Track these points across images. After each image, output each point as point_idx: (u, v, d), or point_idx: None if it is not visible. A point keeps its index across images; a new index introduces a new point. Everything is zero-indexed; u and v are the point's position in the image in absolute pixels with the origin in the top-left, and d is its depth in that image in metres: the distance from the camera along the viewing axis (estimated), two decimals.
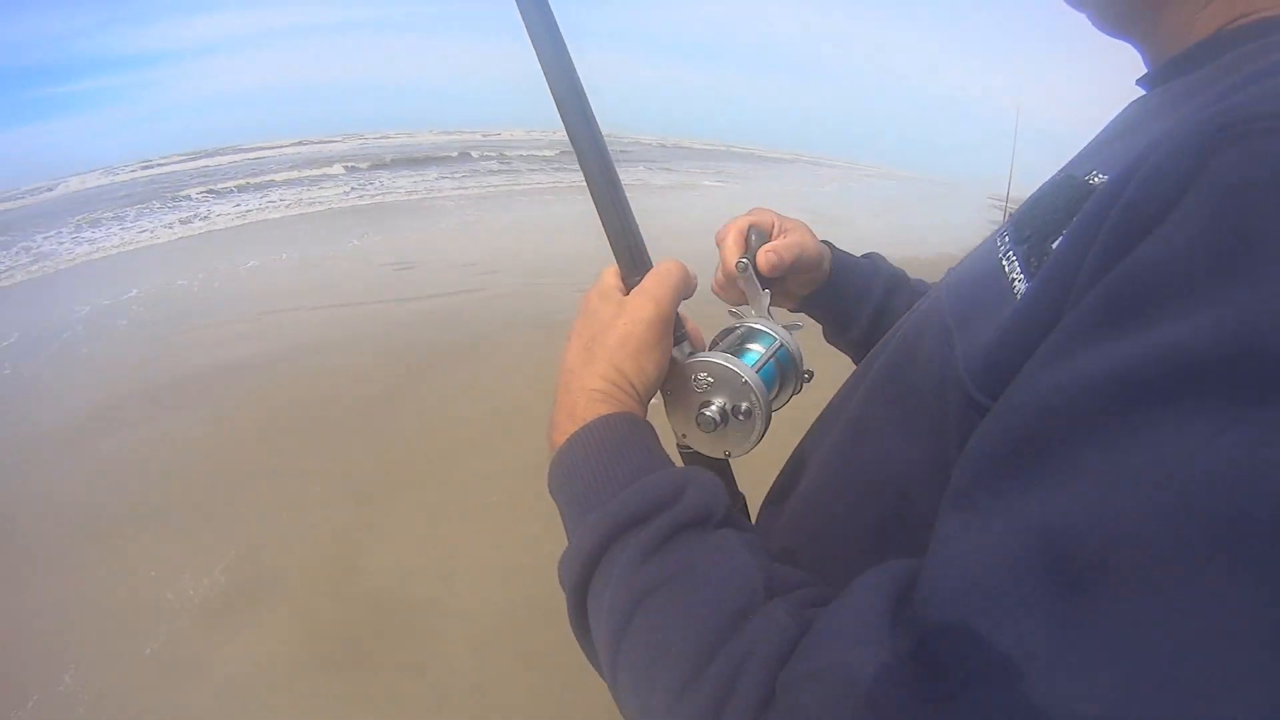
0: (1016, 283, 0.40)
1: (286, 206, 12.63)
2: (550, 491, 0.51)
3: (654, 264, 0.55)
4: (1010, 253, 0.42)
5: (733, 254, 0.67)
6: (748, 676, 0.33)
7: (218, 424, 4.09)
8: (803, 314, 0.78)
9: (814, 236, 0.73)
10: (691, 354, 0.55)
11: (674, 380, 0.54)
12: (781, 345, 0.61)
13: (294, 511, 3.21)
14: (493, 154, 20.92)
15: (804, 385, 0.64)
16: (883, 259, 0.81)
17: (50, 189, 18.14)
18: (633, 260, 0.55)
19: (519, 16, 0.53)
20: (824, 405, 0.62)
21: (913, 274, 0.82)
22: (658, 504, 0.42)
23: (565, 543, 0.47)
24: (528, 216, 11.15)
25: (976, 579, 0.27)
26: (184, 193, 14.39)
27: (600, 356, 0.51)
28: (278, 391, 4.47)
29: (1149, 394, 0.26)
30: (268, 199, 13.53)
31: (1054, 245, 0.37)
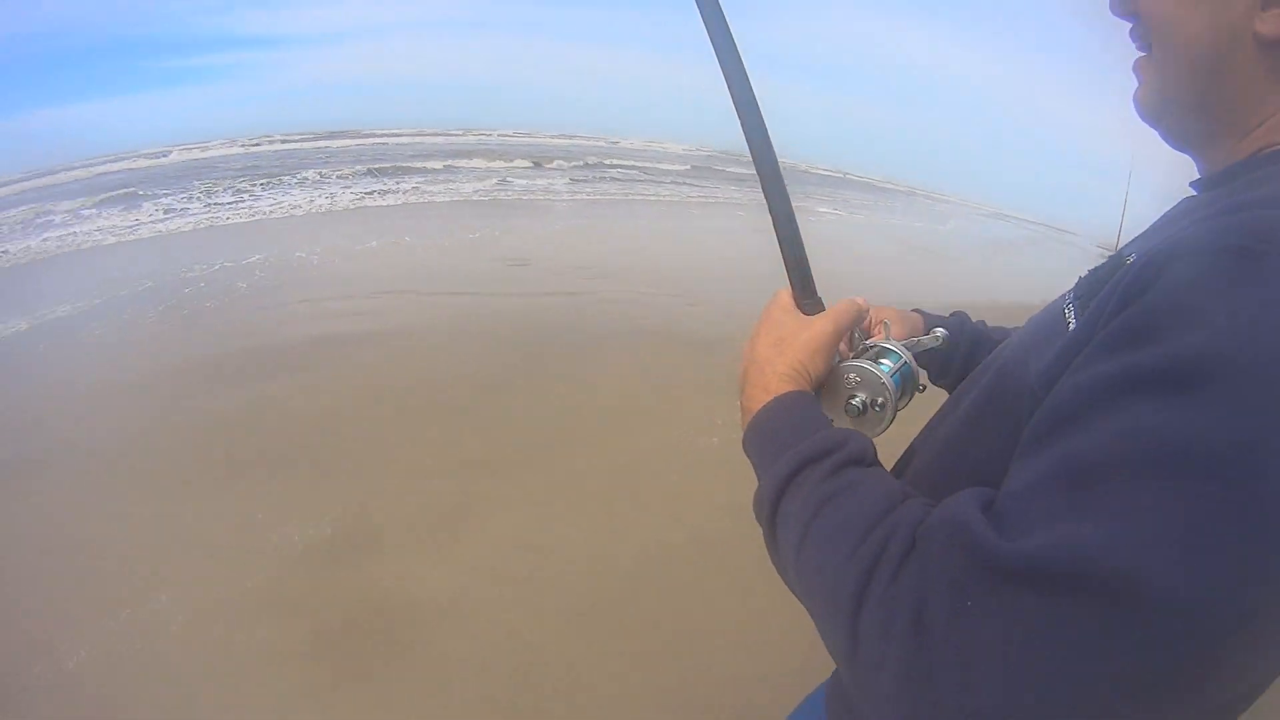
0: (1070, 323, 0.59)
1: (405, 194, 13.29)
2: (744, 442, 0.71)
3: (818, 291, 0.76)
4: (1071, 303, 0.61)
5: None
6: (897, 536, 0.51)
7: (332, 390, 4.32)
8: (941, 329, 0.97)
9: (899, 315, 0.95)
10: (843, 360, 0.75)
11: (830, 377, 0.74)
12: (906, 362, 0.78)
13: (402, 477, 3.35)
14: (620, 161, 21.42)
15: (917, 394, 0.81)
16: (966, 316, 1.04)
17: (165, 154, 19.59)
18: (803, 287, 0.76)
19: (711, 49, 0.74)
20: (922, 415, 0.83)
21: (1014, 322, 0.94)
22: (830, 448, 0.61)
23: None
24: (644, 227, 11.35)
25: (1028, 484, 0.47)
26: (303, 173, 15.30)
27: (788, 352, 0.71)
28: (391, 366, 4.68)
29: (1128, 388, 0.44)
30: (386, 185, 14.26)
31: (1093, 301, 0.54)
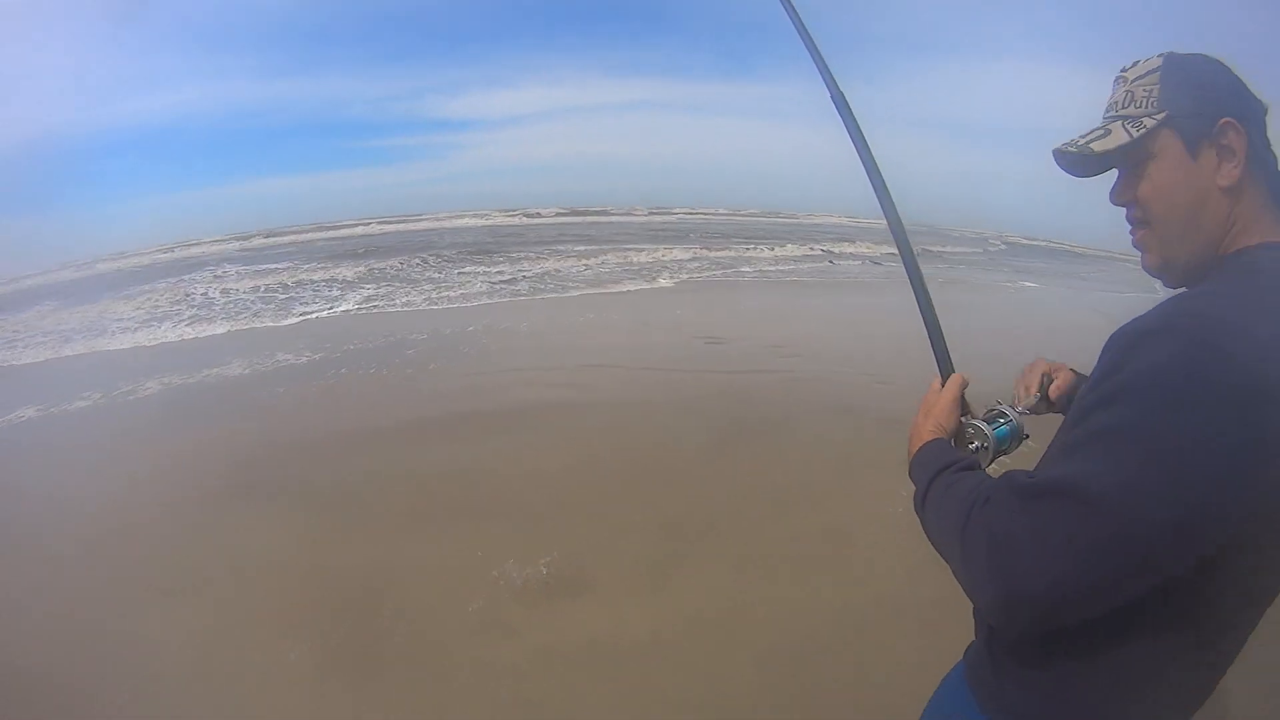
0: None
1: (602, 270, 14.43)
2: (910, 471, 1.08)
3: (954, 370, 1.18)
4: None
5: (1034, 385, 1.27)
6: (982, 493, 0.86)
7: (542, 451, 4.80)
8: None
9: (1071, 374, 1.27)
10: (968, 416, 1.16)
11: (958, 430, 1.14)
12: (1012, 421, 1.16)
13: (611, 533, 3.69)
14: (811, 240, 21.81)
15: (1022, 444, 1.18)
16: None
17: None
18: (942, 371, 1.19)
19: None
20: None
21: None
22: (954, 461, 1.01)
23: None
24: (835, 306, 11.40)
25: (1051, 479, 0.78)
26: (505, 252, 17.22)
27: (932, 417, 1.13)
28: (595, 433, 5.13)
29: (1108, 434, 0.76)
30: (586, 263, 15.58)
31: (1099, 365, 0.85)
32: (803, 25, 1.35)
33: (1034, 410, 1.25)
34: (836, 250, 20.03)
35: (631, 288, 12.59)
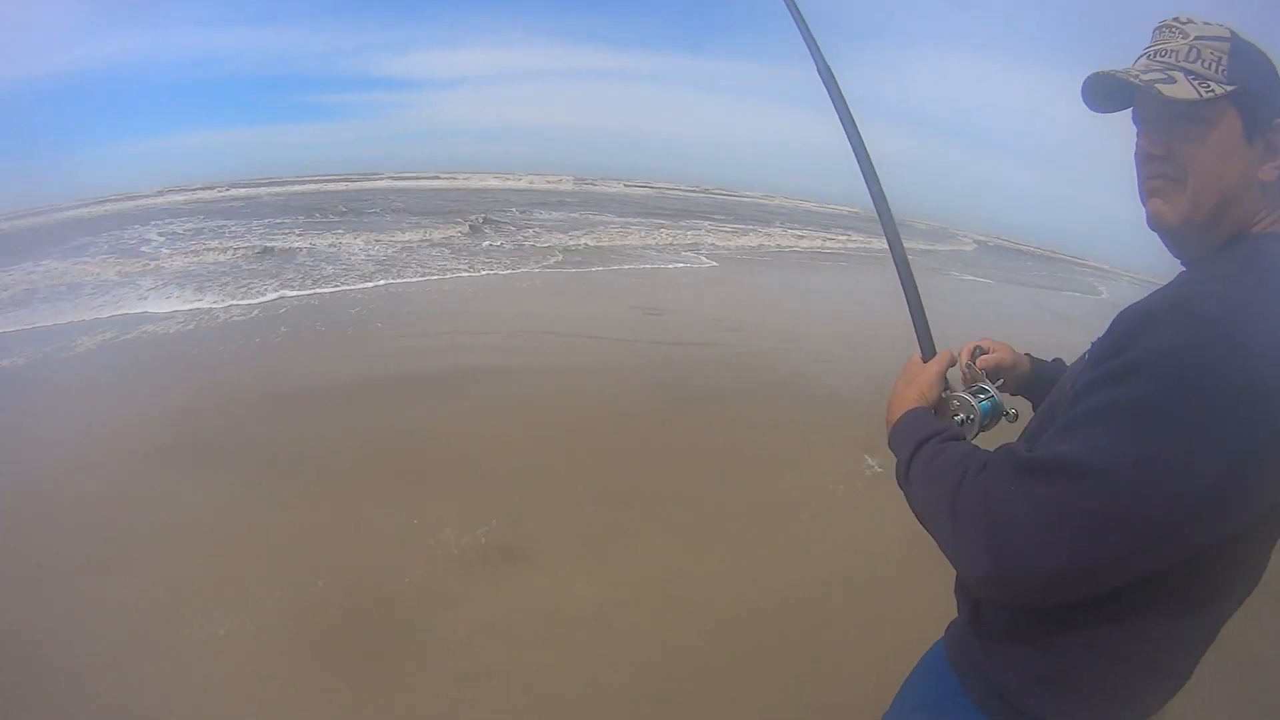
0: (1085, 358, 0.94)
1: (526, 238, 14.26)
2: (889, 439, 1.07)
3: (937, 349, 1.17)
4: (1091, 349, 0.90)
5: (965, 355, 1.23)
6: (975, 461, 0.87)
7: (479, 416, 4.71)
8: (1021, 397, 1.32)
9: (1011, 352, 1.29)
10: (950, 389, 1.14)
11: (941, 402, 1.12)
12: (994, 397, 1.15)
13: (554, 500, 3.64)
14: (761, 215, 21.92)
15: (1008, 421, 1.16)
16: (1062, 361, 1.31)
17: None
18: (924, 347, 1.19)
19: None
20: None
21: None
22: (939, 430, 1.00)
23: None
24: (780, 282, 11.53)
25: (1049, 436, 0.81)
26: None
27: (915, 386, 1.11)
28: (534, 400, 5.06)
29: (1119, 410, 0.75)
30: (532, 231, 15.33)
31: (1098, 343, 0.86)
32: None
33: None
34: (785, 233, 20.15)
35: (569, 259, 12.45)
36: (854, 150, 1.23)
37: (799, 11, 1.31)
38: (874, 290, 10.11)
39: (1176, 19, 0.91)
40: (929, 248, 22.75)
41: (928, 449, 0.97)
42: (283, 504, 3.60)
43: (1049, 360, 1.35)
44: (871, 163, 1.22)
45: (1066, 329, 10.45)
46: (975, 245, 28.01)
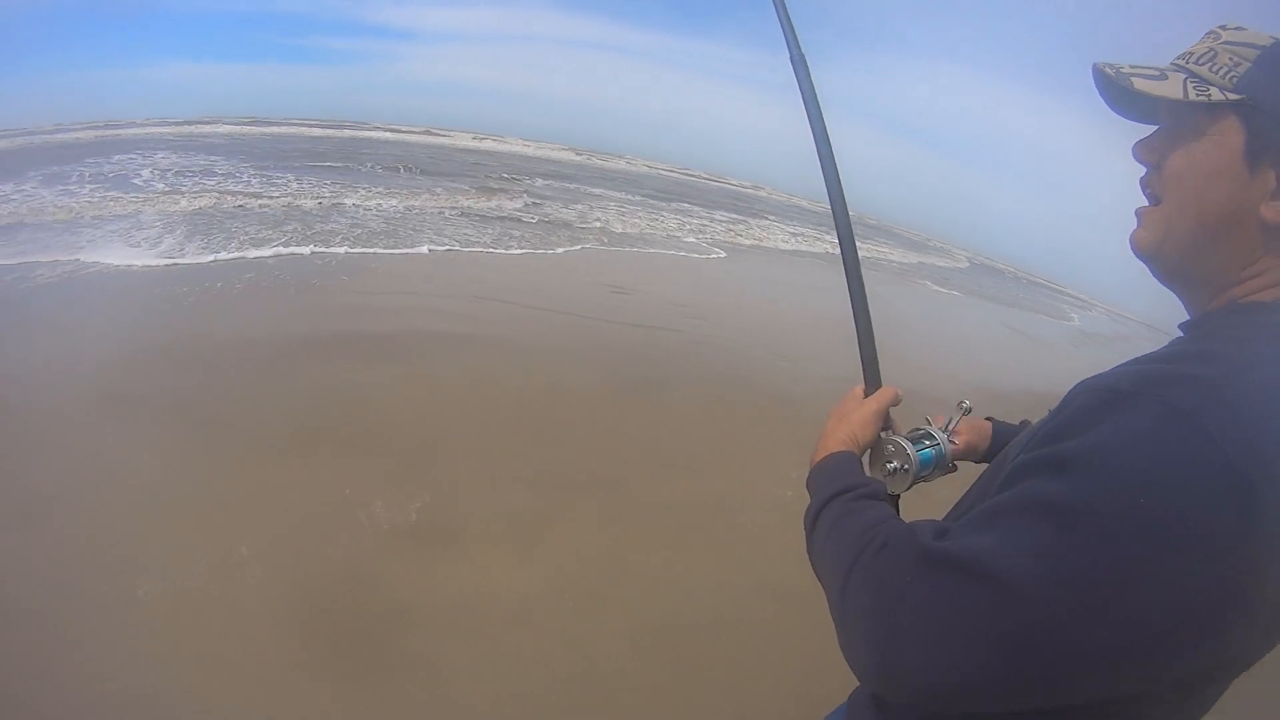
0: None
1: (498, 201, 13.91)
2: (807, 481, 0.96)
3: (882, 383, 1.05)
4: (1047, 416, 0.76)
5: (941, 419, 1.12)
6: (879, 537, 0.74)
7: (422, 382, 4.57)
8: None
9: (976, 433, 1.17)
10: (890, 433, 1.03)
11: (877, 445, 1.02)
12: (939, 445, 1.05)
13: (487, 480, 3.54)
14: (735, 203, 21.82)
15: (948, 474, 1.08)
16: (1029, 423, 1.16)
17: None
18: (868, 380, 1.06)
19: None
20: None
21: None
22: (855, 485, 0.88)
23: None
24: (748, 273, 11.48)
25: (967, 521, 0.68)
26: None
27: (846, 424, 1.00)
28: (484, 371, 4.91)
29: (1048, 507, 0.61)
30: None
31: (1045, 421, 0.73)
32: None
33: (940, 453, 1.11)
34: (755, 224, 20.05)
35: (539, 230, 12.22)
36: (816, 143, 1.13)
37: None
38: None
39: (1222, 25, 0.78)
40: (932, 262, 22.83)
41: (836, 505, 0.86)
42: (216, 465, 3.42)
43: (1016, 424, 1.21)
44: (834, 159, 1.13)
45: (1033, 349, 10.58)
46: (968, 264, 28.35)
